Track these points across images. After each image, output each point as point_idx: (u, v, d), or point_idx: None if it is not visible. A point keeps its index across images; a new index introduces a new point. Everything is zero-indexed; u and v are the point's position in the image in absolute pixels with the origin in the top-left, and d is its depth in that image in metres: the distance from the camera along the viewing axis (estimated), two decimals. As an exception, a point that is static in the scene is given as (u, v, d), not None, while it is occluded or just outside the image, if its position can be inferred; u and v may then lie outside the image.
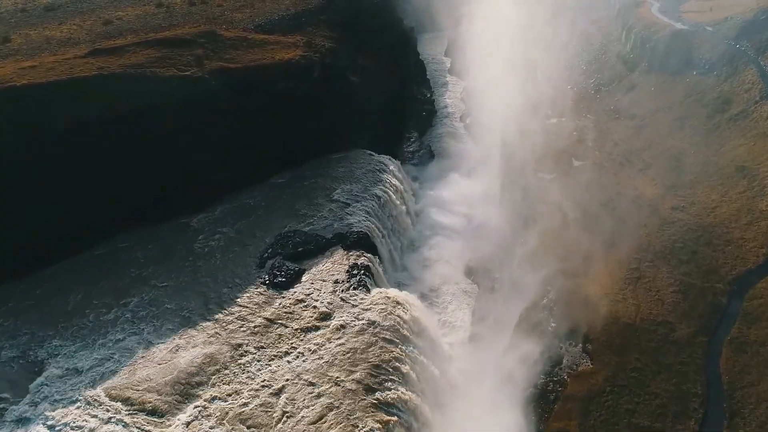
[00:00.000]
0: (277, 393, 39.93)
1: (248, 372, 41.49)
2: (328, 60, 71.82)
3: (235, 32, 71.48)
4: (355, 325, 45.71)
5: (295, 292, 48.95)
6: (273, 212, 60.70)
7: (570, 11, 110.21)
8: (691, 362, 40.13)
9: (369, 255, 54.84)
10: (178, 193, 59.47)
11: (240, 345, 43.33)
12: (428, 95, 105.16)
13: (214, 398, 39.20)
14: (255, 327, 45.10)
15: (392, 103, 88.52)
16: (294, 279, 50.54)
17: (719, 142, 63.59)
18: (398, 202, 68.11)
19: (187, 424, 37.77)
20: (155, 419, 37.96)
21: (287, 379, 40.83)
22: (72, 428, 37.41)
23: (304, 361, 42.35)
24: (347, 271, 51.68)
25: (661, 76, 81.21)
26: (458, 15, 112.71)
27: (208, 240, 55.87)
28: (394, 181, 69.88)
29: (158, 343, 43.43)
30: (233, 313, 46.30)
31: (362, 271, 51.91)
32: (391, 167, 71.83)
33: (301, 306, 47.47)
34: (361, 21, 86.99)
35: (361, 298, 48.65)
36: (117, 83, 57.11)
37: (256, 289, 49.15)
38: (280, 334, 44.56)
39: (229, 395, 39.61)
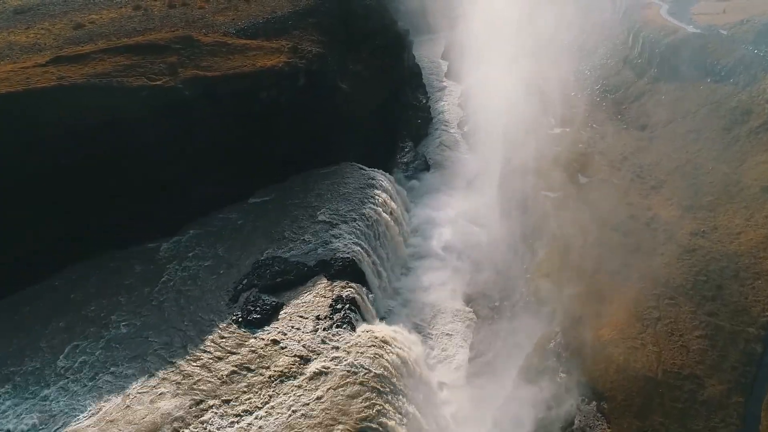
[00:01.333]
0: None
1: (212, 432, 36.15)
2: (315, 66, 66.51)
3: (214, 37, 66.13)
4: (336, 371, 40.40)
5: (270, 332, 43.64)
6: (251, 235, 55.41)
7: (572, 12, 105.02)
8: (725, 429, 34.51)
9: (355, 285, 49.52)
10: (148, 214, 54.27)
11: (203, 399, 37.90)
12: (424, 101, 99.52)
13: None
14: (223, 376, 39.73)
15: (385, 111, 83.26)
16: (270, 315, 45.26)
17: (740, 158, 58.04)
18: (390, 222, 62.65)
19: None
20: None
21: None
22: None
23: (276, 417, 36.96)
24: (330, 305, 46.50)
25: (671, 84, 75.65)
26: (455, 16, 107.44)
27: (178, 269, 50.61)
28: (386, 197, 64.40)
29: (110, 398, 38.07)
30: (199, 360, 40.92)
31: (347, 305, 46.68)
32: (383, 182, 66.34)
33: (277, 349, 42.12)
34: (353, 23, 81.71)
35: (345, 338, 43.33)
36: (79, 94, 51.98)
37: (227, 328, 43.79)
38: (250, 384, 39.17)
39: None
